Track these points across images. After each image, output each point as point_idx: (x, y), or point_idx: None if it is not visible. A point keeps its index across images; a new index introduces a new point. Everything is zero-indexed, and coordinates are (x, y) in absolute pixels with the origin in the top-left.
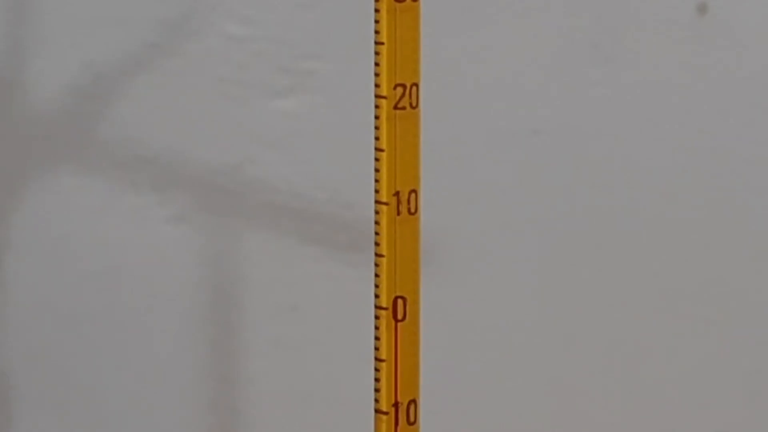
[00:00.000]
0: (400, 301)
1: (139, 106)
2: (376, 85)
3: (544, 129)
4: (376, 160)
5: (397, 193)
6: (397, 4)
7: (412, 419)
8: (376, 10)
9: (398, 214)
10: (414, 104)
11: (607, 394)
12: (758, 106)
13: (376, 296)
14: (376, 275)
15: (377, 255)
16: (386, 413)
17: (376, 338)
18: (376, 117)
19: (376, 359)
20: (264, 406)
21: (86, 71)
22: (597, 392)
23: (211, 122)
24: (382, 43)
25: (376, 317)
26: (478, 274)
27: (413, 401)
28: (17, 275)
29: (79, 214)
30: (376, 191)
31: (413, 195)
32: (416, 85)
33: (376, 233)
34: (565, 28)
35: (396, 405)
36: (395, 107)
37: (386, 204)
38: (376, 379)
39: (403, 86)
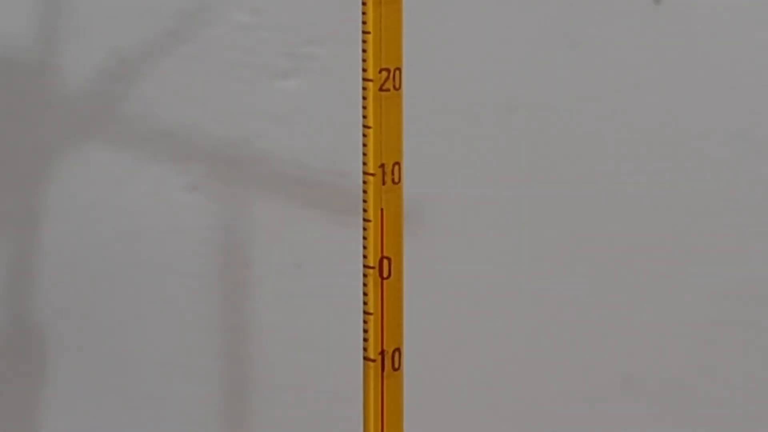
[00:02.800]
0: (385, 261)
1: (159, 87)
2: (364, 70)
3: (517, 107)
4: (364, 135)
5: (382, 165)
6: None
7: (396, 365)
8: (363, 3)
9: (383, 183)
10: (397, 86)
11: (582, 345)
12: (707, 86)
13: (364, 257)
14: (364, 238)
15: (365, 220)
16: (374, 360)
17: (365, 294)
18: (364, 98)
19: (365, 312)
20: (270, 352)
21: (113, 56)
22: (571, 343)
23: (223, 101)
24: (369, 32)
25: (364, 275)
26: (457, 237)
27: (398, 350)
28: (51, 238)
29: (106, 183)
30: (364, 163)
31: (397, 167)
32: (399, 69)
33: (364, 201)
34: (537, 17)
35: (382, 353)
36: (380, 89)
37: (373, 175)
38: (365, 330)
39: (388, 70)
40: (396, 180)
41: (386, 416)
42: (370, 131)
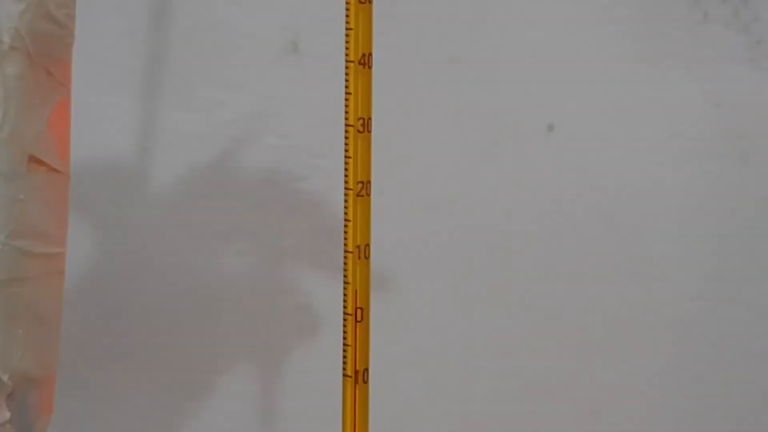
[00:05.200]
0: (359, 310)
1: (224, 189)
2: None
3: (458, 198)
4: (345, 228)
5: (358, 246)
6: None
7: (365, 380)
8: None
9: (359, 258)
10: (369, 130)
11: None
12: (586, 190)
13: (344, 306)
14: (345, 293)
15: (345, 282)
16: (350, 376)
17: (344, 332)
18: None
19: (344, 344)
20: (282, 364)
21: (191, 171)
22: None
23: (259, 196)
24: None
25: (344, 319)
26: (407, 293)
27: (366, 369)
28: (126, 290)
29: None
30: (345, 244)
31: (367, 248)
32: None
33: (345, 269)
34: (468, 136)
35: (356, 372)
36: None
37: (351, 252)
38: (344, 356)
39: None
40: (366, 256)
41: (358, 415)
42: (350, 224)
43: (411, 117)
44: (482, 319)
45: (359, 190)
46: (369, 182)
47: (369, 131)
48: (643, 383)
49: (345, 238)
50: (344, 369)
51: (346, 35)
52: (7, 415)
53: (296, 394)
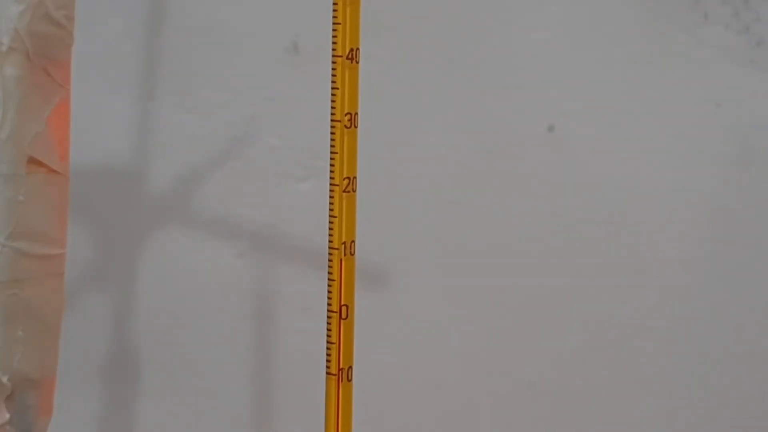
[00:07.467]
0: (344, 307)
1: (218, 187)
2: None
3: (456, 201)
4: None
5: (344, 243)
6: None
7: (349, 378)
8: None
9: (344, 255)
10: (355, 126)
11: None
12: (585, 187)
13: (329, 304)
14: (329, 291)
15: (330, 280)
16: (335, 375)
17: (329, 329)
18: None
19: (328, 342)
20: (281, 365)
21: (187, 168)
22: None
23: (259, 197)
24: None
25: (329, 317)
26: (391, 292)
27: (350, 367)
28: (145, 289)
29: (182, 252)
30: (330, 242)
31: (353, 244)
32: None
33: (329, 266)
34: (467, 141)
35: (340, 370)
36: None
37: (337, 249)
38: (328, 353)
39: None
40: (352, 252)
41: (341, 411)
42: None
43: (411, 117)
44: (473, 318)
45: (345, 186)
46: (355, 178)
47: (356, 127)
48: (643, 383)
49: (330, 235)
50: (328, 367)
51: (334, 30)
52: (7, 416)
53: (297, 394)
